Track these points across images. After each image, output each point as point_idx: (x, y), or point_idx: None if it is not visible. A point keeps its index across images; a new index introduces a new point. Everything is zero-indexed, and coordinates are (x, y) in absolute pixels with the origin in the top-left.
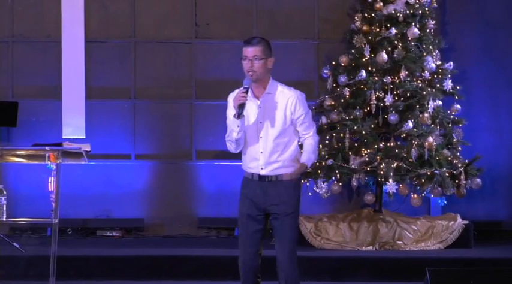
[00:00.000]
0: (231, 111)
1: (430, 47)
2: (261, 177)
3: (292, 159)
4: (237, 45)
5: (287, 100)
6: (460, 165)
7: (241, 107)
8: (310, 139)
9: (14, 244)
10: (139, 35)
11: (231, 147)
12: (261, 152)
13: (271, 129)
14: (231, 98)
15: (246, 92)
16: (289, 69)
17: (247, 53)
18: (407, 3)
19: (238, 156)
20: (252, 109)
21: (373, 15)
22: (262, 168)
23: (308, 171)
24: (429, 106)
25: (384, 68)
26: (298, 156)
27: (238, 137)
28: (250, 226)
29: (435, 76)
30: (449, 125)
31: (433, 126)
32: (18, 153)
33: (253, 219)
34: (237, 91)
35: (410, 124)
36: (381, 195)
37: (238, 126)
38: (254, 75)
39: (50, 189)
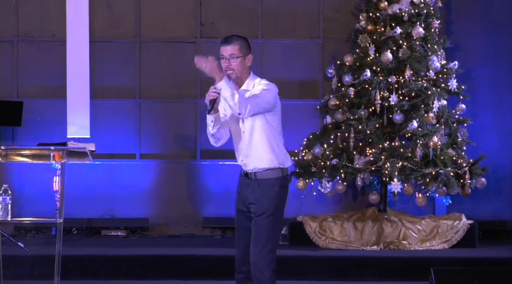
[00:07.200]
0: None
1: (435, 46)
2: (245, 174)
3: (267, 155)
4: None
5: (255, 89)
6: (464, 165)
7: (211, 103)
8: (249, 97)
9: (19, 243)
10: (144, 34)
11: (211, 141)
12: (241, 148)
13: (246, 123)
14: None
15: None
16: (294, 69)
17: (224, 52)
18: (412, 2)
19: None
20: None
21: (377, 14)
22: (243, 162)
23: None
24: (434, 105)
25: (388, 67)
26: (275, 155)
27: (214, 132)
28: (240, 221)
29: (440, 75)
30: (454, 125)
31: (437, 125)
32: (23, 152)
33: (243, 215)
34: None
35: (415, 123)
36: (386, 195)
37: (212, 122)
38: (232, 74)
39: (54, 189)
